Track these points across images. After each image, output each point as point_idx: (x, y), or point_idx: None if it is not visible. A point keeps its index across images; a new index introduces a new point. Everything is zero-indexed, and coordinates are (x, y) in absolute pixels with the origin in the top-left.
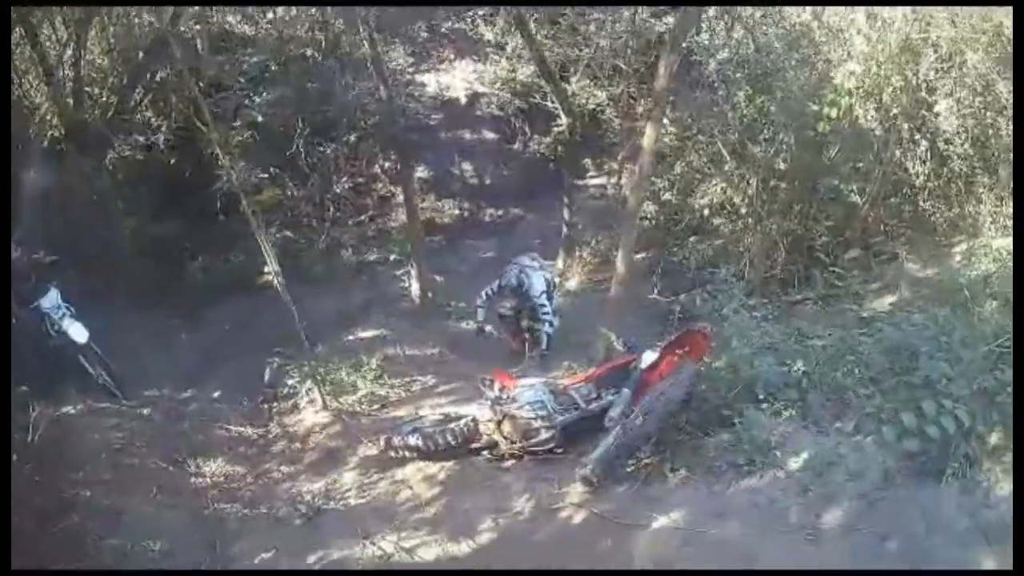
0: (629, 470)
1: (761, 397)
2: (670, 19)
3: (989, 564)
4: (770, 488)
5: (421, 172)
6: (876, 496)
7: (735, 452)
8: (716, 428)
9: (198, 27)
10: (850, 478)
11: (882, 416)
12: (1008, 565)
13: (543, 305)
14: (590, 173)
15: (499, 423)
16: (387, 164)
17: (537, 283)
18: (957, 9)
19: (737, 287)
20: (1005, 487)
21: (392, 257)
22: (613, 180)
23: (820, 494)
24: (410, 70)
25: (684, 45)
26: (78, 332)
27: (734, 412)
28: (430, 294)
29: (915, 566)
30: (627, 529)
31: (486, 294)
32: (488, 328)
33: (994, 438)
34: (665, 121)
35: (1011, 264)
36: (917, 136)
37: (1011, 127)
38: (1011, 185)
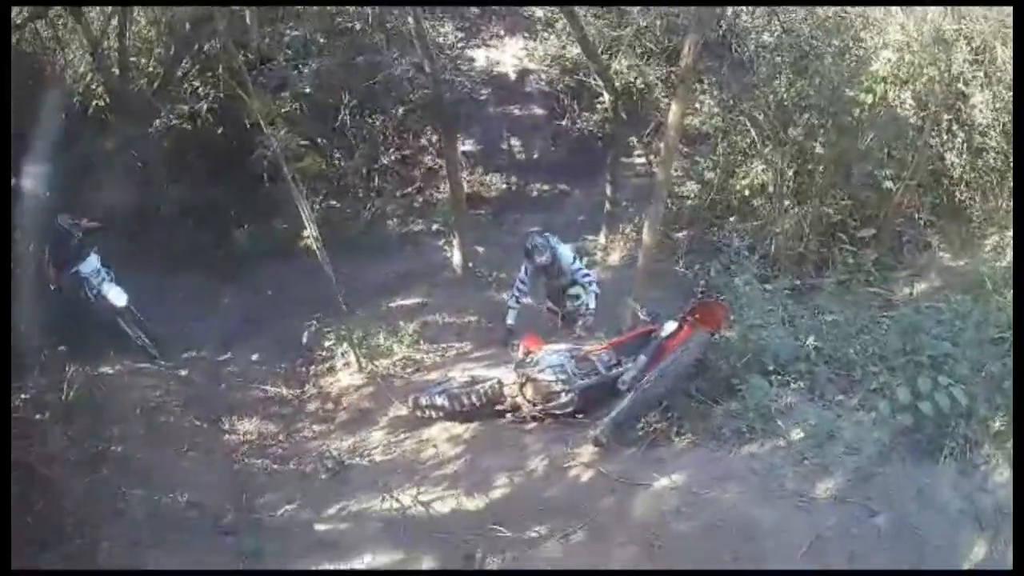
0: (639, 434)
1: (771, 368)
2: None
3: (979, 547)
4: (770, 455)
5: (469, 146)
6: (871, 470)
7: (739, 419)
8: (725, 396)
9: None
10: (848, 451)
11: (886, 393)
12: (998, 548)
13: (580, 269)
14: (636, 151)
15: (522, 386)
16: (435, 137)
17: (566, 252)
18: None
19: (750, 260)
20: (1005, 473)
21: (435, 228)
22: (654, 158)
23: (816, 464)
24: (460, 45)
25: (723, 25)
26: (117, 296)
27: (742, 382)
28: (471, 264)
29: (900, 539)
30: (630, 488)
31: (518, 289)
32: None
33: (997, 423)
34: (709, 101)
35: None
36: (955, 127)
37: None
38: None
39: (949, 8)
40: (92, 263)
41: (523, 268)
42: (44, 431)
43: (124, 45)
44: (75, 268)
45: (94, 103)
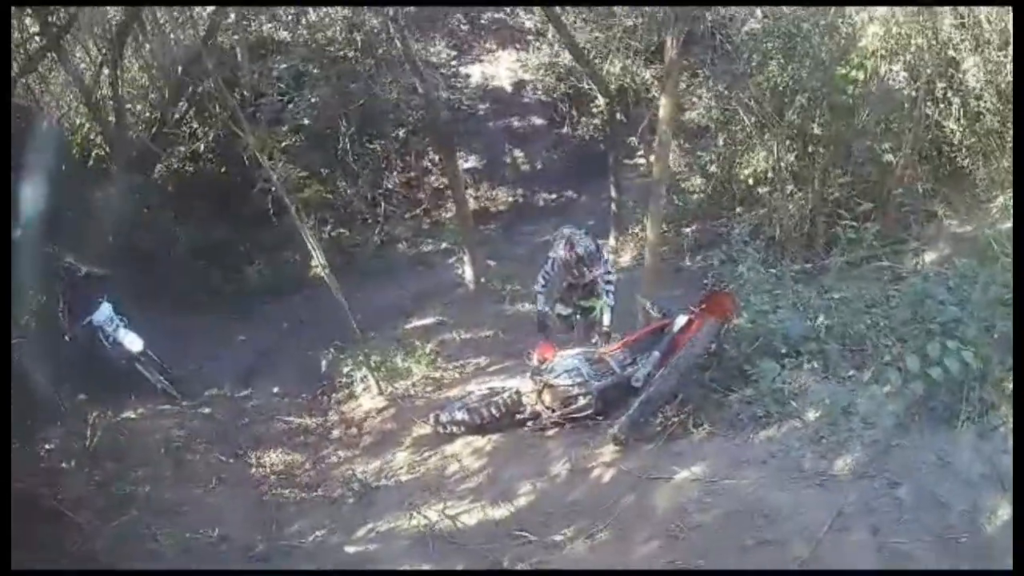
0: (657, 429)
1: (783, 351)
2: None
3: (1003, 509)
4: (786, 437)
5: (472, 162)
6: (889, 442)
7: (755, 405)
8: (739, 383)
9: (236, 37)
10: (864, 425)
11: (898, 365)
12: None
13: (609, 271)
14: (638, 152)
15: (540, 393)
16: (437, 157)
17: (599, 248)
18: None
19: (752, 246)
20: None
21: (444, 246)
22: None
23: (833, 441)
24: (453, 63)
25: (709, 17)
26: (132, 341)
27: (755, 367)
28: (483, 279)
29: (923, 508)
30: (651, 483)
31: (544, 277)
32: (552, 313)
33: (1012, 383)
34: (706, 94)
35: None
36: (949, 94)
37: None
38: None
39: None
40: (105, 311)
41: (549, 261)
42: (71, 478)
43: (117, 93)
44: (88, 319)
45: (94, 152)
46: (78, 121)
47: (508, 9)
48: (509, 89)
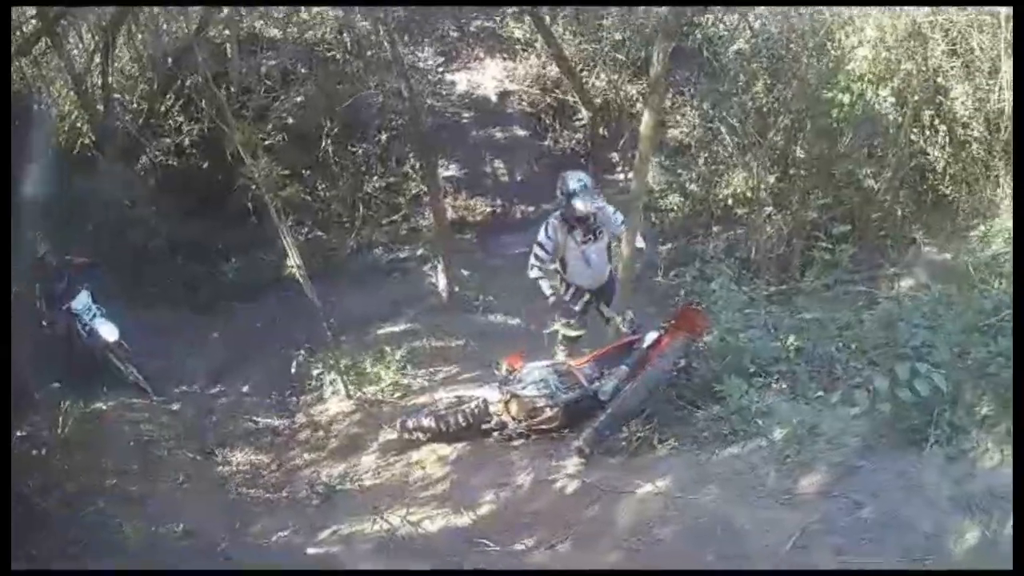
0: (622, 443)
1: (752, 370)
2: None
3: (971, 533)
4: (751, 456)
5: (453, 170)
6: (855, 463)
7: (721, 423)
8: (706, 401)
9: (227, 32)
10: (830, 446)
11: (869, 387)
12: (991, 530)
13: (619, 222)
14: (619, 168)
15: (507, 404)
16: (419, 163)
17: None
18: None
19: (726, 264)
20: (995, 457)
21: (420, 253)
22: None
23: (798, 461)
24: (440, 69)
25: (699, 35)
26: (108, 331)
27: (722, 385)
28: (457, 288)
29: (888, 529)
30: (614, 496)
31: (539, 255)
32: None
33: (984, 408)
34: (690, 112)
35: None
36: (936, 121)
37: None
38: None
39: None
40: (83, 299)
41: (547, 226)
42: (42, 466)
43: (107, 81)
44: (66, 305)
45: (79, 141)
46: (67, 107)
47: (498, 18)
48: (494, 99)
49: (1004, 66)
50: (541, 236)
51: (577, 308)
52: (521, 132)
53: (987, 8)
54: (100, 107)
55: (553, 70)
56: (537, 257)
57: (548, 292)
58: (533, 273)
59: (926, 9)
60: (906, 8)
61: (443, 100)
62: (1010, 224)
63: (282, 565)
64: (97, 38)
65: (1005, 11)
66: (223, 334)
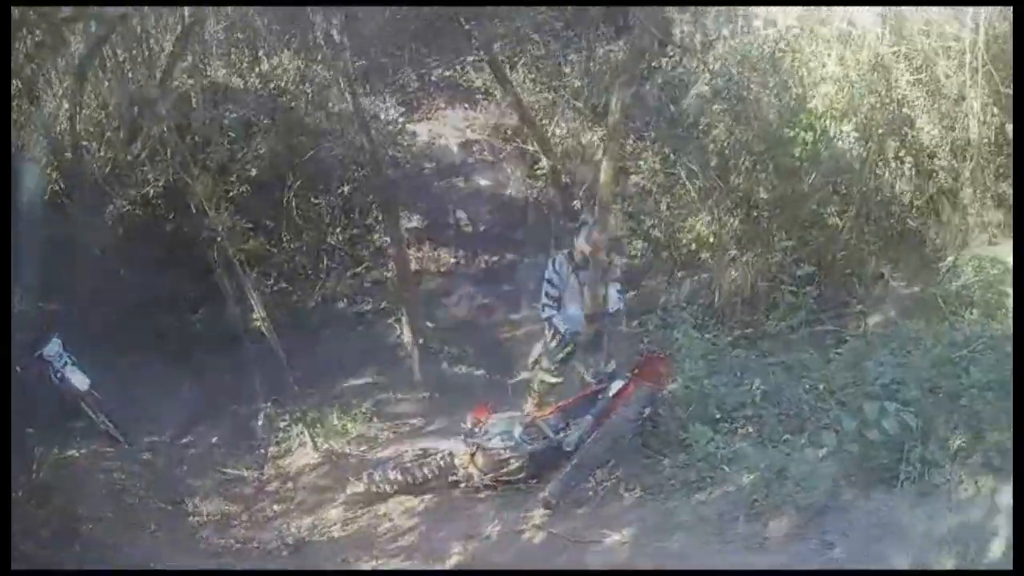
0: (589, 493)
1: (717, 416)
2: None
3: (948, 565)
4: (718, 502)
5: (415, 221)
6: (825, 504)
7: (687, 470)
8: (673, 449)
9: (191, 81)
10: (798, 488)
11: (836, 428)
12: (968, 559)
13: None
14: (582, 216)
15: (472, 456)
16: (381, 215)
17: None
18: (930, 18)
19: (688, 311)
20: (969, 489)
21: (384, 305)
22: None
23: (767, 504)
24: (400, 119)
25: (659, 79)
26: (80, 380)
27: (688, 432)
28: (422, 340)
29: (860, 566)
30: (581, 546)
31: (549, 292)
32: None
33: (957, 441)
34: (651, 158)
35: (992, 272)
36: (902, 153)
37: (984, 132)
38: (997, 190)
39: (887, 30)
40: (55, 346)
41: (553, 261)
42: (18, 508)
43: (75, 128)
44: (38, 352)
45: (50, 188)
46: (37, 153)
47: (458, 67)
48: (455, 149)
49: (970, 93)
50: (549, 273)
51: (559, 357)
52: (483, 182)
53: (952, 33)
54: (69, 154)
55: (514, 119)
56: (548, 295)
57: (561, 329)
58: (545, 313)
59: (889, 39)
60: (868, 39)
61: (404, 151)
62: (980, 252)
63: None
64: (66, 84)
65: (970, 37)
66: (191, 384)
